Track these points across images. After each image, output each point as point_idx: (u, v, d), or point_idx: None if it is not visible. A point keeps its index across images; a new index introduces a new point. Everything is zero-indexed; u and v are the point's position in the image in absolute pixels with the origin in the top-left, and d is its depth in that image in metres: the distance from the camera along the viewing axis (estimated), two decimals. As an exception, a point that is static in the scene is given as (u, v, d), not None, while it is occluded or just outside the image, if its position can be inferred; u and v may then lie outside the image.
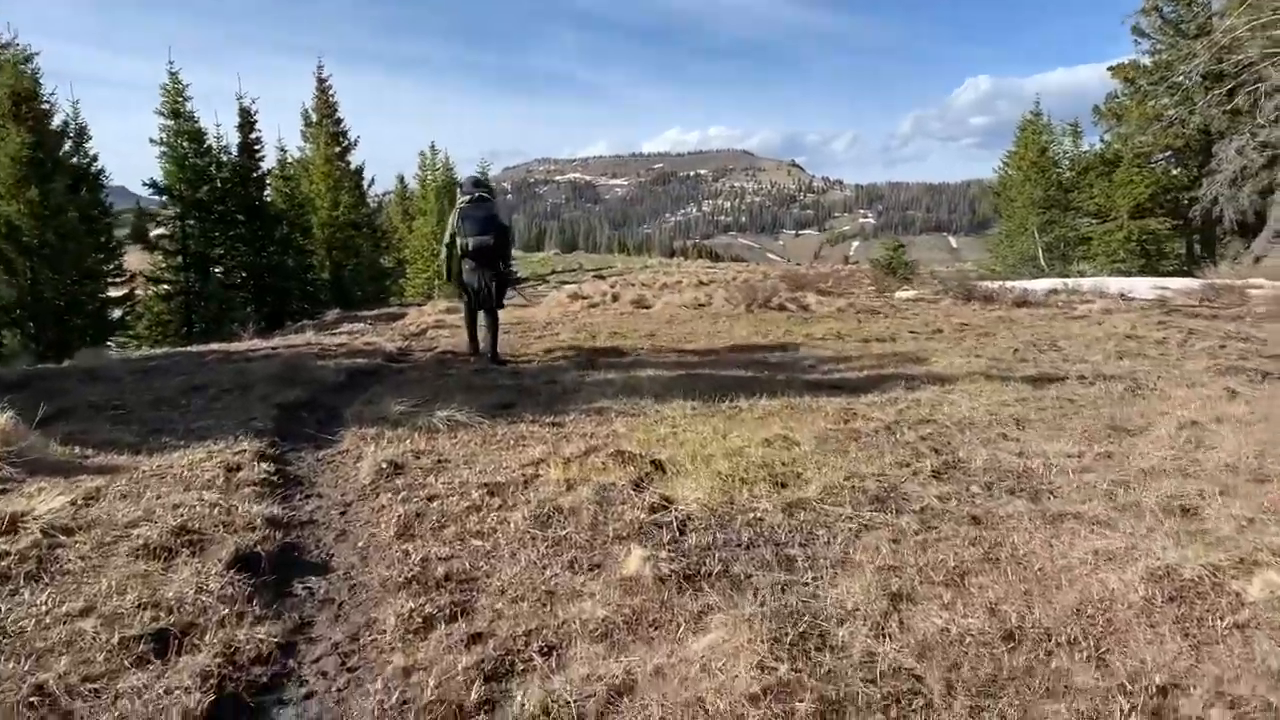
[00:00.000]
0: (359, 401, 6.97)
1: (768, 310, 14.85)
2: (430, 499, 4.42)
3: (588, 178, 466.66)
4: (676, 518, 4.03)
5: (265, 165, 25.70)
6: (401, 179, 48.70)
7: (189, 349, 10.99)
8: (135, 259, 23.34)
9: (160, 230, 23.59)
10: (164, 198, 23.66)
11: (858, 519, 4.05)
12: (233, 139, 25.13)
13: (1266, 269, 25.98)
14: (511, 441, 5.61)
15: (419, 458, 5.19)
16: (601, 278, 33.48)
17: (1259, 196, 27.28)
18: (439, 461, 5.13)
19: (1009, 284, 24.20)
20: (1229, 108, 27.81)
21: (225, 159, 24.80)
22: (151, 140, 23.43)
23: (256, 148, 25.41)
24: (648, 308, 16.60)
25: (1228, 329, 12.34)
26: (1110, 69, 32.47)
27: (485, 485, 4.58)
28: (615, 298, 17.66)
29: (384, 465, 4.97)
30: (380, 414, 6.28)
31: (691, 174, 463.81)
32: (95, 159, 20.53)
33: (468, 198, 9.16)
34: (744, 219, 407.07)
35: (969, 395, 6.97)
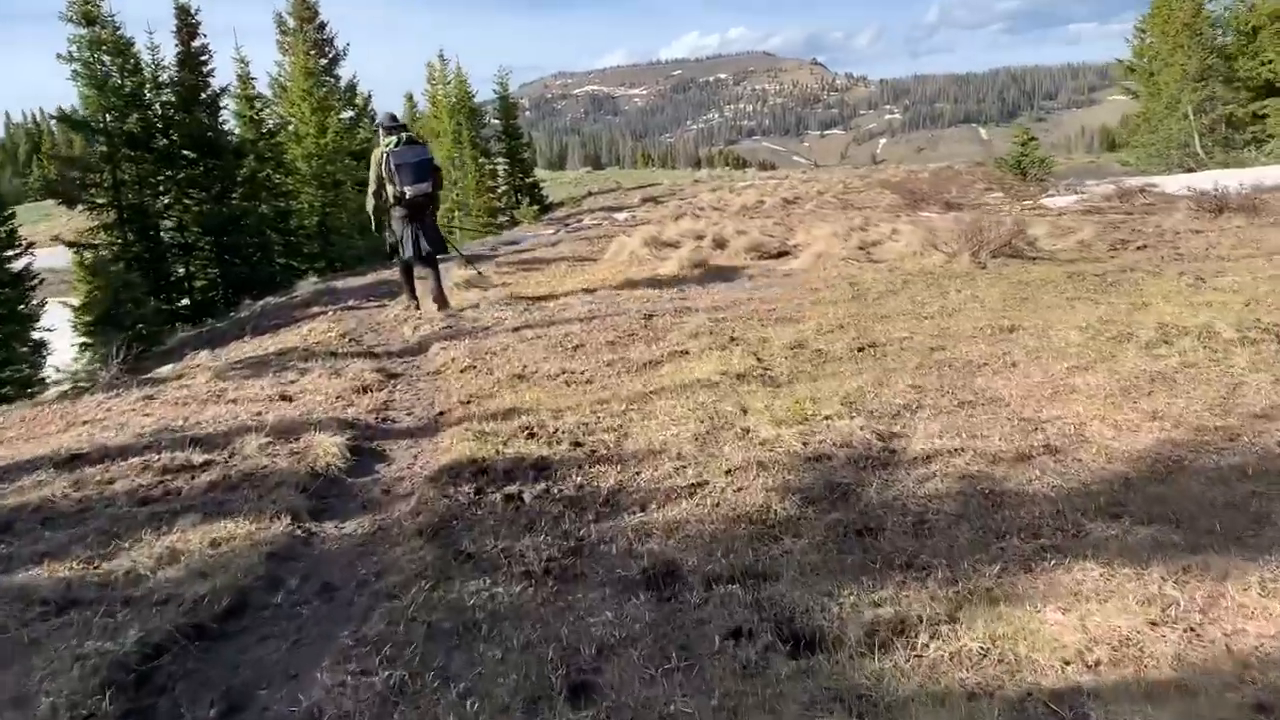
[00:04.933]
0: None
1: (1003, 258, 8.77)
2: None
3: (606, 89, 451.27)
4: None
5: (216, 83, 19.50)
6: (410, 98, 42.60)
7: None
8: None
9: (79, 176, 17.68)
10: (82, 133, 17.72)
11: None
12: (171, 51, 18.99)
13: None
14: None
15: None
16: (655, 200, 27.22)
17: None
18: None
19: (1223, 179, 17.92)
20: None
21: (163, 78, 18.70)
22: (59, 57, 17.36)
23: (203, 59, 19.21)
24: (780, 255, 10.58)
25: None
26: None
27: None
28: (720, 244, 11.58)
29: None
30: None
31: (711, 79, 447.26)
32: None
33: (394, 139, 8.12)
34: (767, 122, 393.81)
35: None
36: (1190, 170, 24.53)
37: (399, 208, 8.21)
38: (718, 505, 3.45)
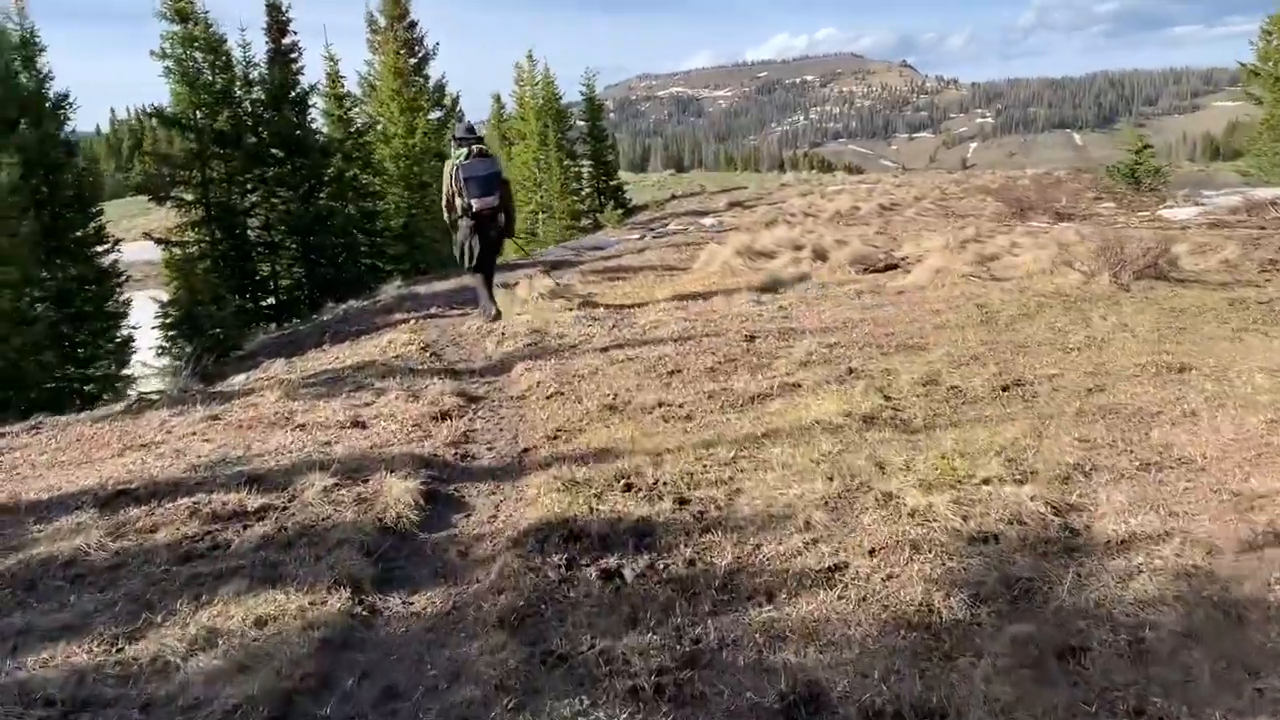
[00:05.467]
0: None
1: (1147, 280, 7.88)
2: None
3: (690, 91, 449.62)
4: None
5: (305, 81, 19.42)
6: (498, 98, 42.60)
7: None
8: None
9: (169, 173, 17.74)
10: (173, 130, 17.78)
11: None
12: (261, 49, 18.96)
13: None
14: None
15: None
16: (742, 205, 26.48)
17: None
18: None
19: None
20: None
21: (253, 75, 18.67)
22: (152, 53, 17.42)
23: (293, 56, 19.16)
24: (889, 269, 9.83)
25: None
26: None
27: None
28: (820, 255, 10.85)
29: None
30: None
31: (798, 80, 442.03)
32: (49, 78, 14.45)
33: (465, 151, 8.19)
34: (854, 124, 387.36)
35: None
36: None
37: (466, 219, 8.26)
38: (864, 599, 2.79)
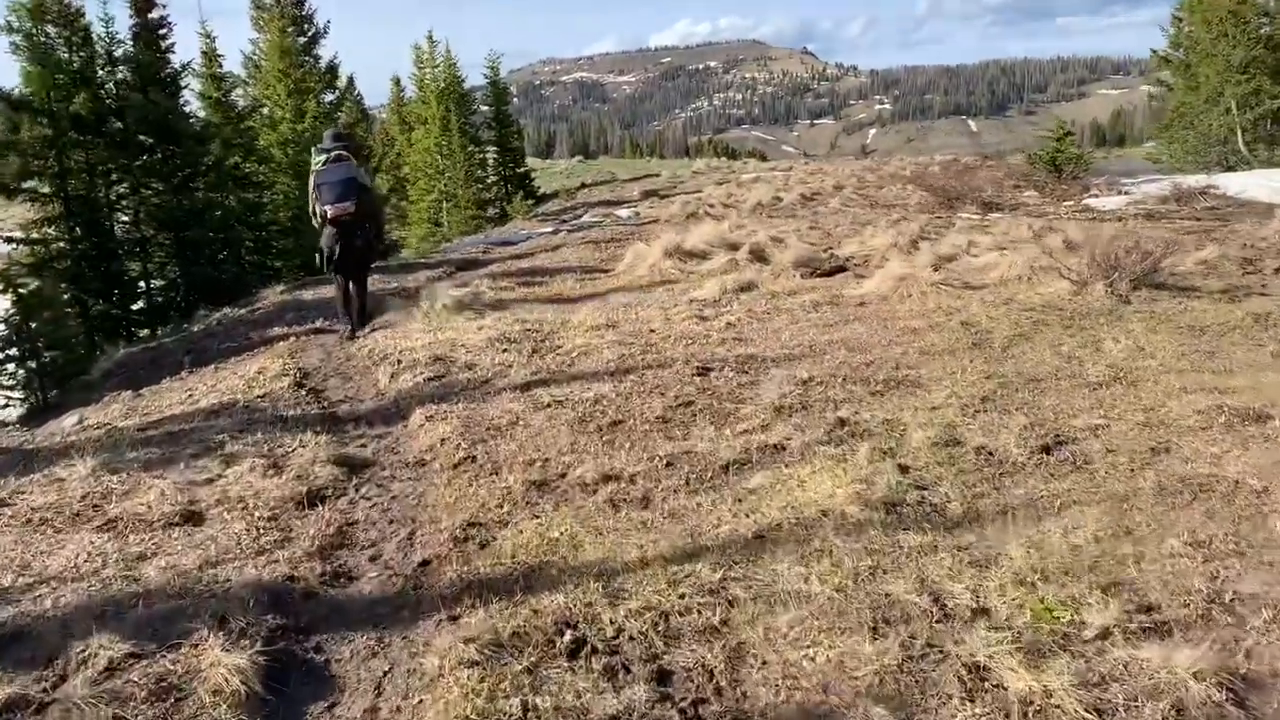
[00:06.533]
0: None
1: (1145, 289, 6.92)
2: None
3: (595, 76, 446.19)
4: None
5: (178, 59, 17.43)
6: (398, 82, 40.56)
7: None
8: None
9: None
10: (24, 115, 15.65)
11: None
12: (125, 23, 16.93)
13: None
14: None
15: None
16: (657, 194, 25.27)
17: None
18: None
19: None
20: None
21: (118, 54, 16.62)
22: (-3, 27, 15.33)
23: (162, 32, 17.15)
24: (835, 272, 8.74)
25: None
26: None
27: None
28: (758, 255, 9.72)
29: None
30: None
31: (701, 67, 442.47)
32: None
33: (324, 157, 7.94)
34: (756, 111, 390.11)
35: None
36: (1231, 169, 22.94)
37: (328, 226, 7.89)
38: None
